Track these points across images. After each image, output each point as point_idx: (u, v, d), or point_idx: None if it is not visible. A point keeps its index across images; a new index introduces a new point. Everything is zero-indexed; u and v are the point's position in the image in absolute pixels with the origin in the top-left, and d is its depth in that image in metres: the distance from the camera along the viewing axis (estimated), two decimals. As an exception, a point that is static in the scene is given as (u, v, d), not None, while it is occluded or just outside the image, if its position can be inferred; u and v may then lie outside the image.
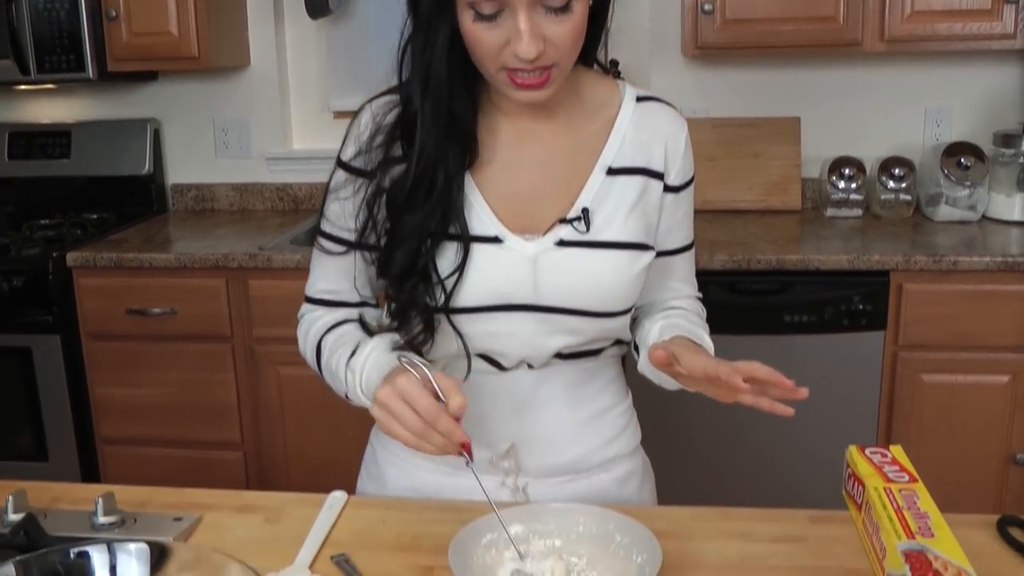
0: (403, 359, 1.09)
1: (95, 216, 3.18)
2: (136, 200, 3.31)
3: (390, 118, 1.23)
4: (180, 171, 3.41)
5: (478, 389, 1.26)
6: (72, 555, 0.84)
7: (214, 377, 2.79)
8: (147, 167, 3.30)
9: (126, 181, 3.31)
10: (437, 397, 1.05)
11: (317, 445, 2.72)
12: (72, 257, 2.77)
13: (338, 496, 1.30)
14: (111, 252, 2.77)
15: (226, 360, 2.78)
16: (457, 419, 1.05)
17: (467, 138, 1.22)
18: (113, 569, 0.84)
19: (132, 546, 0.85)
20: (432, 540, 1.17)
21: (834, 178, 2.96)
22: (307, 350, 1.32)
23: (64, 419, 2.84)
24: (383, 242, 1.24)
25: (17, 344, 2.79)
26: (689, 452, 2.57)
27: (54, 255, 2.77)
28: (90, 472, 2.91)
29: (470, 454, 1.08)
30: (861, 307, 2.49)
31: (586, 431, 1.33)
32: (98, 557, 0.85)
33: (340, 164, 1.28)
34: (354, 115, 1.27)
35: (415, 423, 1.03)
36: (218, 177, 3.39)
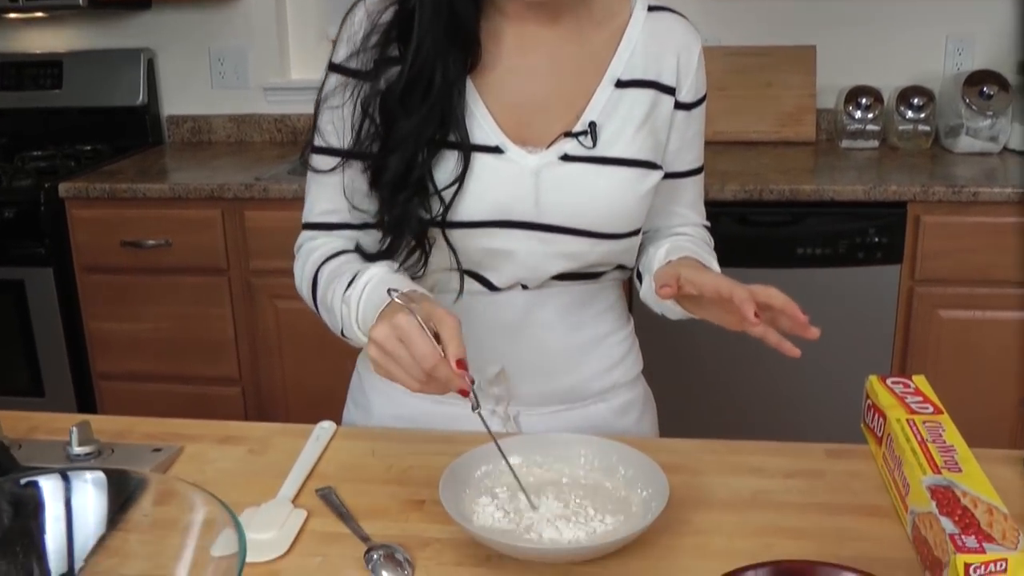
0: (394, 294, 1.01)
1: (88, 148, 3.10)
2: (130, 132, 3.22)
3: (386, 16, 1.14)
4: (176, 102, 3.32)
5: (467, 310, 1.19)
6: (22, 484, 0.77)
7: (210, 311, 2.73)
8: (141, 98, 3.20)
9: (120, 112, 3.22)
10: (437, 337, 0.97)
11: (316, 378, 2.66)
12: (65, 188, 2.69)
13: (325, 427, 1.24)
14: (104, 183, 2.69)
15: (222, 293, 2.71)
16: (459, 364, 0.96)
17: (469, 39, 1.13)
18: (69, 501, 0.77)
19: (89, 475, 0.78)
20: (423, 472, 1.10)
21: (850, 108, 2.85)
22: (303, 284, 1.23)
23: (59, 354, 2.79)
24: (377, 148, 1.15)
25: (10, 277, 2.73)
26: (693, 384, 2.50)
27: (46, 186, 2.69)
28: (87, 409, 2.86)
29: (476, 399, 1.00)
30: (877, 240, 2.40)
31: (583, 358, 1.26)
32: (50, 487, 0.78)
33: (332, 68, 1.19)
34: (346, 14, 1.18)
35: (413, 367, 0.96)
36: (215, 108, 3.29)
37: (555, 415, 1.26)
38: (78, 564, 0.81)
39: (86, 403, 2.86)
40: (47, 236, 2.69)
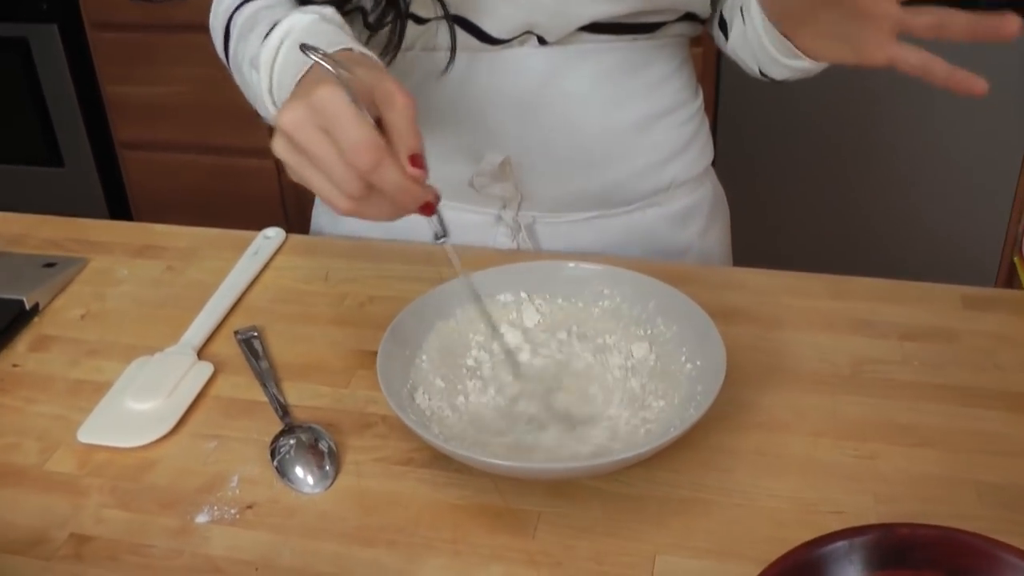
0: (313, 54, 0.61)
1: None
2: None
3: None
4: None
5: (462, 81, 0.84)
6: None
7: (233, 74, 2.39)
8: None
9: None
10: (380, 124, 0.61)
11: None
12: (63, -71, 2.32)
13: (271, 236, 0.92)
14: (107, -77, 2.31)
15: (245, 54, 2.36)
16: (415, 163, 0.60)
17: None
18: None
19: None
20: (388, 307, 0.78)
21: None
22: (216, 39, 0.86)
23: (74, 121, 2.52)
24: None
25: (12, 34, 2.42)
26: (783, 185, 2.04)
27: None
28: (111, 180, 2.62)
29: (442, 223, 0.66)
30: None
31: (628, 145, 0.90)
32: None
33: None
34: None
35: (341, 169, 0.58)
36: None
37: (586, 224, 0.92)
38: None
39: (109, 174, 2.61)
40: (48, -14, 2.36)
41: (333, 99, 0.57)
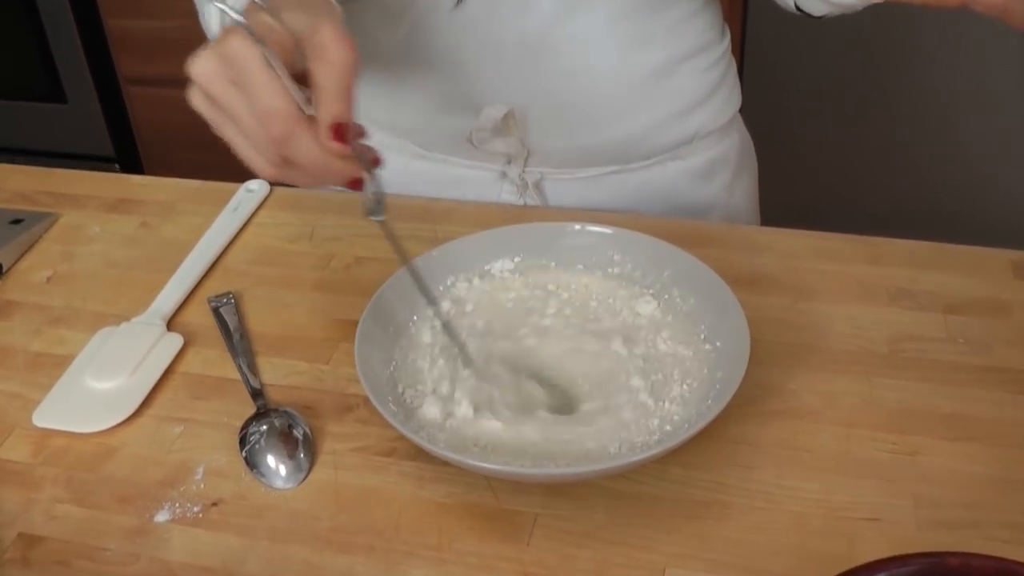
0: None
1: None
2: None
3: None
4: None
5: (460, 27, 0.75)
6: None
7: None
8: None
9: None
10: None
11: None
12: None
13: (253, 189, 0.85)
14: None
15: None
16: (338, 135, 0.50)
17: None
18: None
19: None
20: (377, 271, 0.71)
21: None
22: None
23: (76, 55, 2.44)
24: None
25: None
26: (813, 135, 1.87)
27: None
28: (116, 117, 2.54)
29: (375, 199, 0.56)
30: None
31: (647, 92, 0.81)
32: None
33: None
34: None
35: (255, 131, 0.51)
36: None
37: (600, 181, 0.84)
38: None
39: (114, 111, 2.53)
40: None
41: (243, 53, 0.49)
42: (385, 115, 0.83)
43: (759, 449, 0.57)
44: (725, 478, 0.56)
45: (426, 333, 0.64)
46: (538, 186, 0.84)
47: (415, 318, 0.65)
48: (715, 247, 0.72)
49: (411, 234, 0.77)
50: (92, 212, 0.86)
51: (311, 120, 0.50)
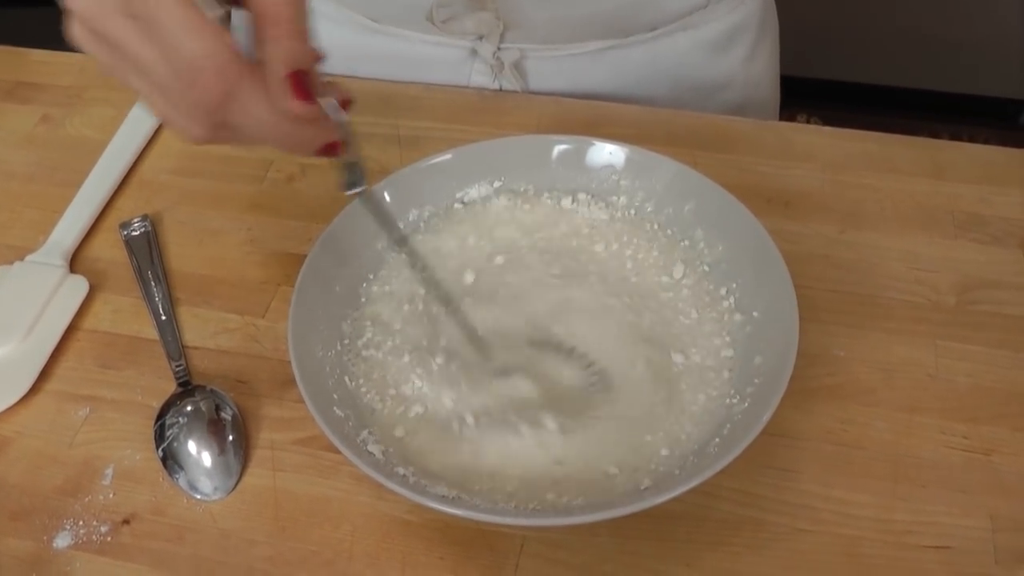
0: None
1: None
2: None
3: None
4: None
5: None
6: None
7: None
8: None
9: None
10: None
11: None
12: None
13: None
14: None
15: None
16: (298, 89, 0.35)
17: None
18: None
19: None
20: (322, 191, 0.58)
21: None
22: None
23: None
24: None
25: None
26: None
27: None
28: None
29: (355, 171, 0.42)
30: None
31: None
32: None
33: None
34: None
35: (174, 87, 0.35)
36: None
37: (595, 58, 0.69)
38: None
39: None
40: None
41: None
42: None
43: (799, 445, 0.46)
44: (757, 487, 0.45)
45: (389, 297, 0.51)
46: (518, 66, 0.69)
47: (370, 276, 0.52)
48: (741, 151, 0.59)
49: (368, 130, 0.64)
50: (-16, 100, 0.71)
51: (256, 69, 0.35)
